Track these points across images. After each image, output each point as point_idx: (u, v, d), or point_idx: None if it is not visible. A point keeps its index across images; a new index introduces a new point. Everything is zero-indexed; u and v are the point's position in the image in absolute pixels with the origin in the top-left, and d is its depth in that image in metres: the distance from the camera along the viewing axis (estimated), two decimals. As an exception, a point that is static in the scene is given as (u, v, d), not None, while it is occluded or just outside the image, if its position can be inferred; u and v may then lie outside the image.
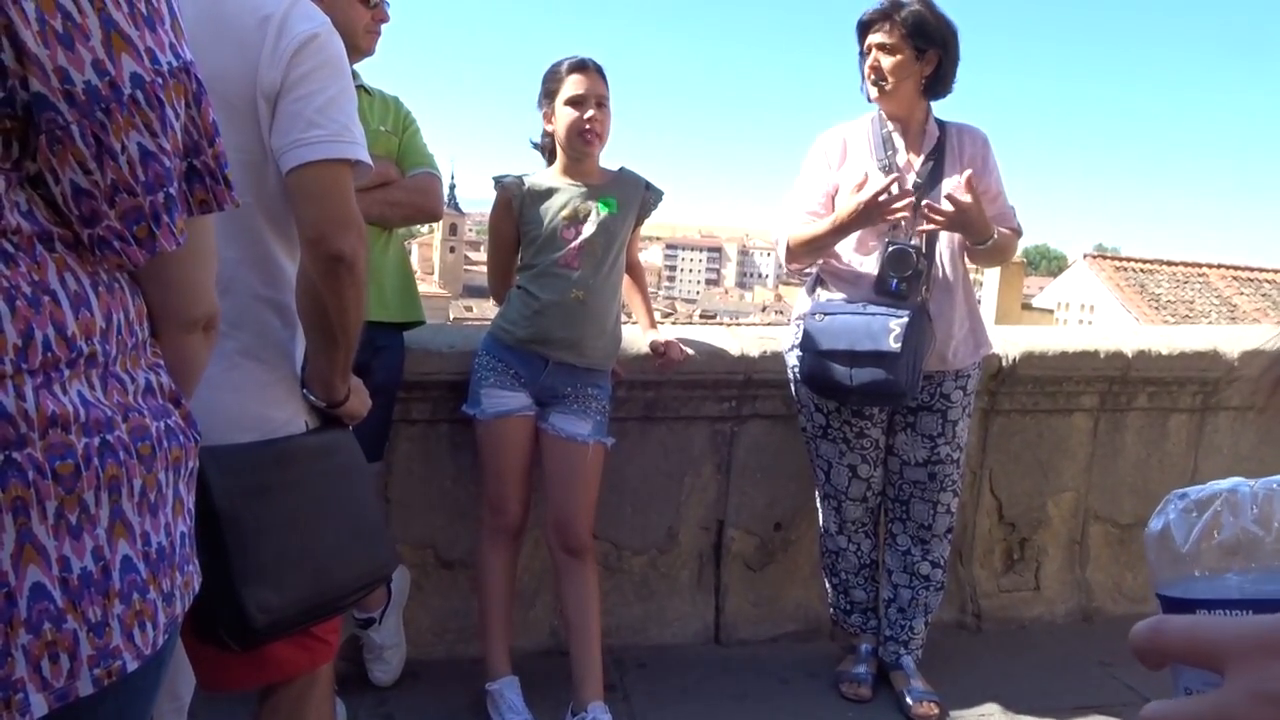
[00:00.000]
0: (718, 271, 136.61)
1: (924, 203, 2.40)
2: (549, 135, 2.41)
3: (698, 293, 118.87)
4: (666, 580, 2.93)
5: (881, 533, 2.73)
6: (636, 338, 2.70)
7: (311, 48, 1.38)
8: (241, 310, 1.41)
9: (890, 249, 2.44)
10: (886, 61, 2.46)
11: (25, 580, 0.77)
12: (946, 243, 2.50)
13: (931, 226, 2.41)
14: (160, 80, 0.83)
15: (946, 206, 2.36)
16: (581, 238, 2.34)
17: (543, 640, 2.80)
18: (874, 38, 2.47)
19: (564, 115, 2.34)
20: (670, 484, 2.91)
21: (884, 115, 2.57)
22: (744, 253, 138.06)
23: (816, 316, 2.48)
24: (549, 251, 2.34)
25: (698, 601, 2.95)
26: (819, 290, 2.59)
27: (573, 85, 2.33)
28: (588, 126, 2.32)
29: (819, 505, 2.73)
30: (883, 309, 2.42)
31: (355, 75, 2.20)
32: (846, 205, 2.39)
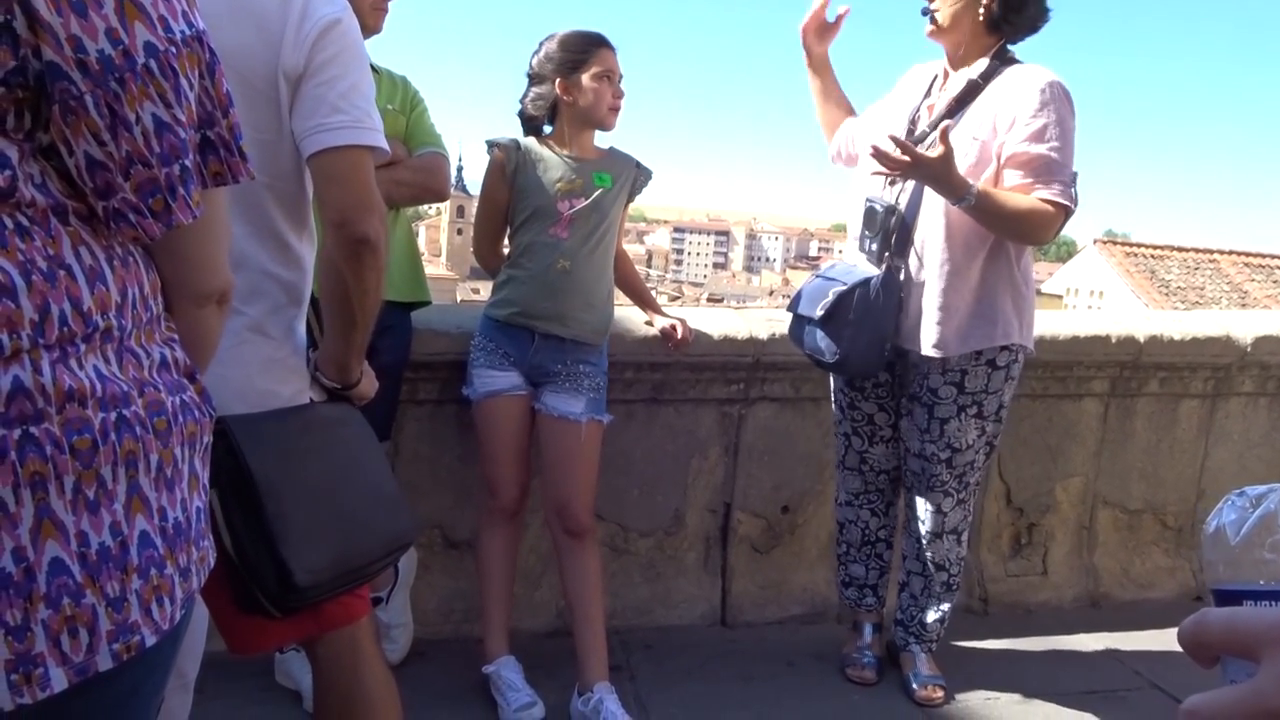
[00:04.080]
0: (725, 255, 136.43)
1: (872, 144, 2.13)
2: (564, 104, 2.33)
3: (705, 276, 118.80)
4: (673, 562, 2.94)
5: (901, 516, 2.67)
6: (642, 322, 2.70)
7: (335, 32, 1.39)
8: (250, 286, 1.42)
9: (865, 205, 2.34)
10: None
11: (44, 555, 0.77)
12: (958, 210, 2.19)
13: (884, 170, 2.14)
14: (174, 49, 0.82)
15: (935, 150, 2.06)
16: (574, 209, 2.33)
17: (550, 621, 2.81)
18: None
19: (597, 90, 2.31)
20: (677, 466, 2.91)
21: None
22: (751, 237, 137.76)
23: (812, 278, 2.48)
24: (541, 222, 2.34)
25: (704, 583, 2.96)
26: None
27: (604, 60, 2.32)
28: (617, 104, 2.34)
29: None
30: (840, 274, 2.37)
31: (366, 54, 2.19)
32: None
